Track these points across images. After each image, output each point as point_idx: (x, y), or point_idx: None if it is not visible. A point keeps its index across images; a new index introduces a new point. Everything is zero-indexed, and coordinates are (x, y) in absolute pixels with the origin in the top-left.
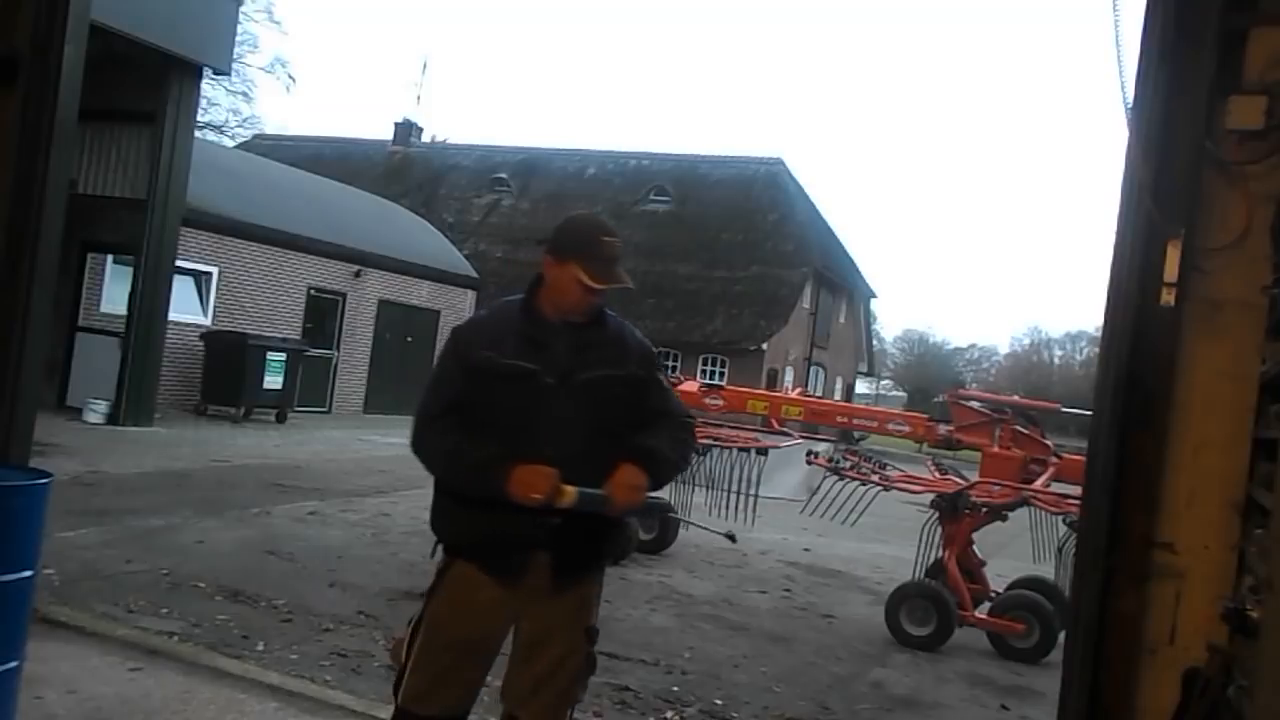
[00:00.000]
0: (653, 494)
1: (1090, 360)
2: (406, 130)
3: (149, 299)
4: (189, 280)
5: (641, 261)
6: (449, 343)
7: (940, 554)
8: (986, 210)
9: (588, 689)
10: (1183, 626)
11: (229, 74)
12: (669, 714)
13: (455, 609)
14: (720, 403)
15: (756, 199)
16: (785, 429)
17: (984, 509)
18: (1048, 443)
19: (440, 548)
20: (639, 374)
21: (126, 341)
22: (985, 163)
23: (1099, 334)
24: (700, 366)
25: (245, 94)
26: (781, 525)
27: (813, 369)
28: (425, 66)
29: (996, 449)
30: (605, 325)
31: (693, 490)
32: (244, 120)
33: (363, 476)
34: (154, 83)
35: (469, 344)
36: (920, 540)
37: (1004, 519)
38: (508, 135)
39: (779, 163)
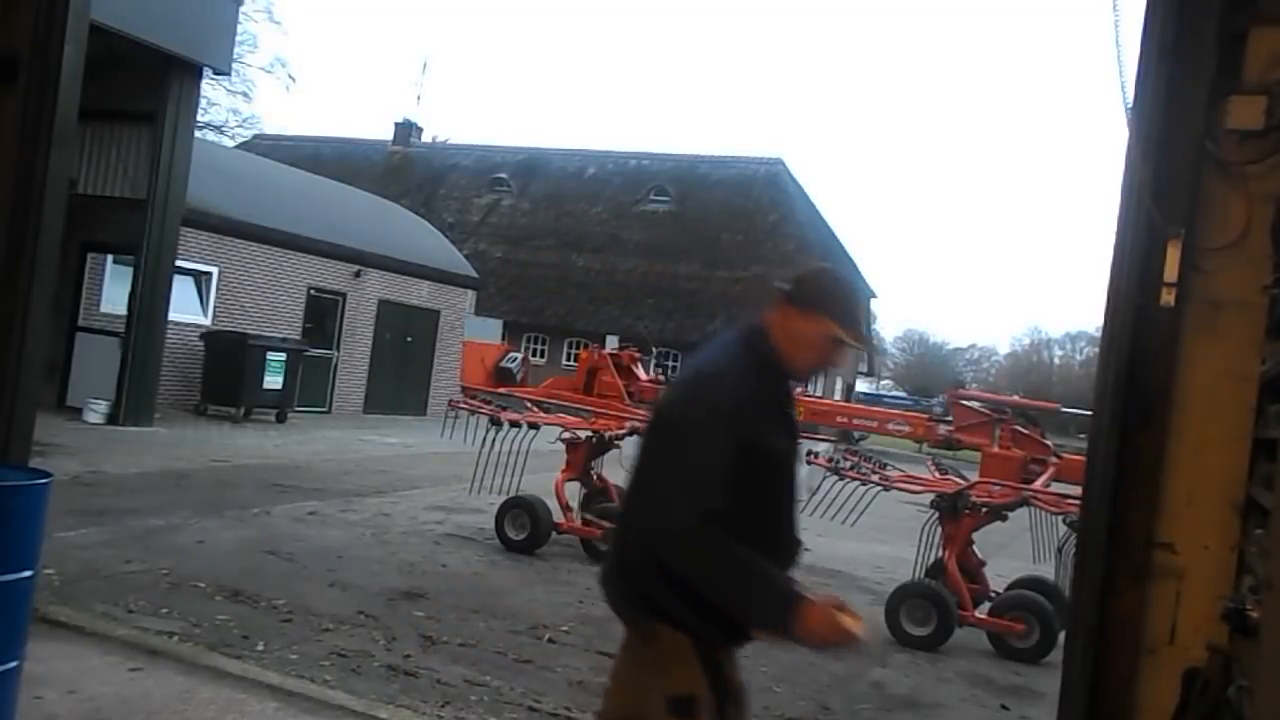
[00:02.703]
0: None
1: (1090, 360)
2: (406, 130)
3: (149, 299)
4: (189, 280)
5: (641, 261)
6: (714, 405)
7: (940, 554)
8: (986, 210)
9: None
10: (1182, 626)
11: (229, 74)
12: None
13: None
14: None
15: (756, 199)
16: None
17: (984, 509)
18: (1048, 443)
19: (657, 616)
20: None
21: (126, 341)
22: (985, 162)
23: (1099, 334)
24: None
25: (245, 94)
26: None
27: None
28: (425, 66)
29: (996, 449)
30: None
31: None
32: (244, 120)
33: (363, 476)
34: (154, 83)
35: (741, 413)
36: (920, 540)
37: (1004, 519)
38: (508, 135)
39: (779, 163)
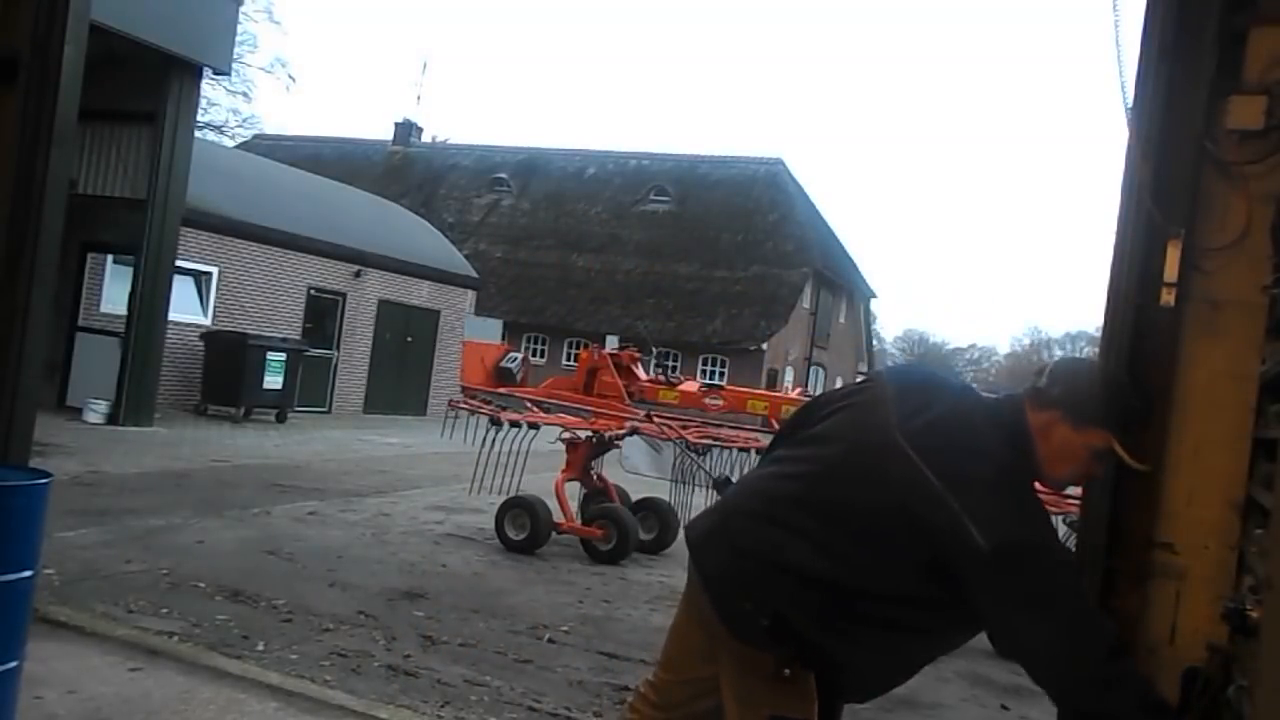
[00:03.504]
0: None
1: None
2: (406, 130)
3: (149, 299)
4: (189, 280)
5: (641, 261)
6: (1063, 556)
7: None
8: (986, 210)
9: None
10: (1182, 626)
11: (229, 74)
12: None
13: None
14: (720, 403)
15: (756, 199)
16: None
17: None
18: None
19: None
20: None
21: (126, 341)
22: (985, 163)
23: (1099, 334)
24: (700, 366)
25: (245, 94)
26: None
27: (813, 369)
28: (425, 66)
29: None
30: None
31: (692, 490)
32: (244, 120)
33: (363, 476)
34: (154, 83)
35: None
36: None
37: None
38: (508, 135)
39: (779, 163)
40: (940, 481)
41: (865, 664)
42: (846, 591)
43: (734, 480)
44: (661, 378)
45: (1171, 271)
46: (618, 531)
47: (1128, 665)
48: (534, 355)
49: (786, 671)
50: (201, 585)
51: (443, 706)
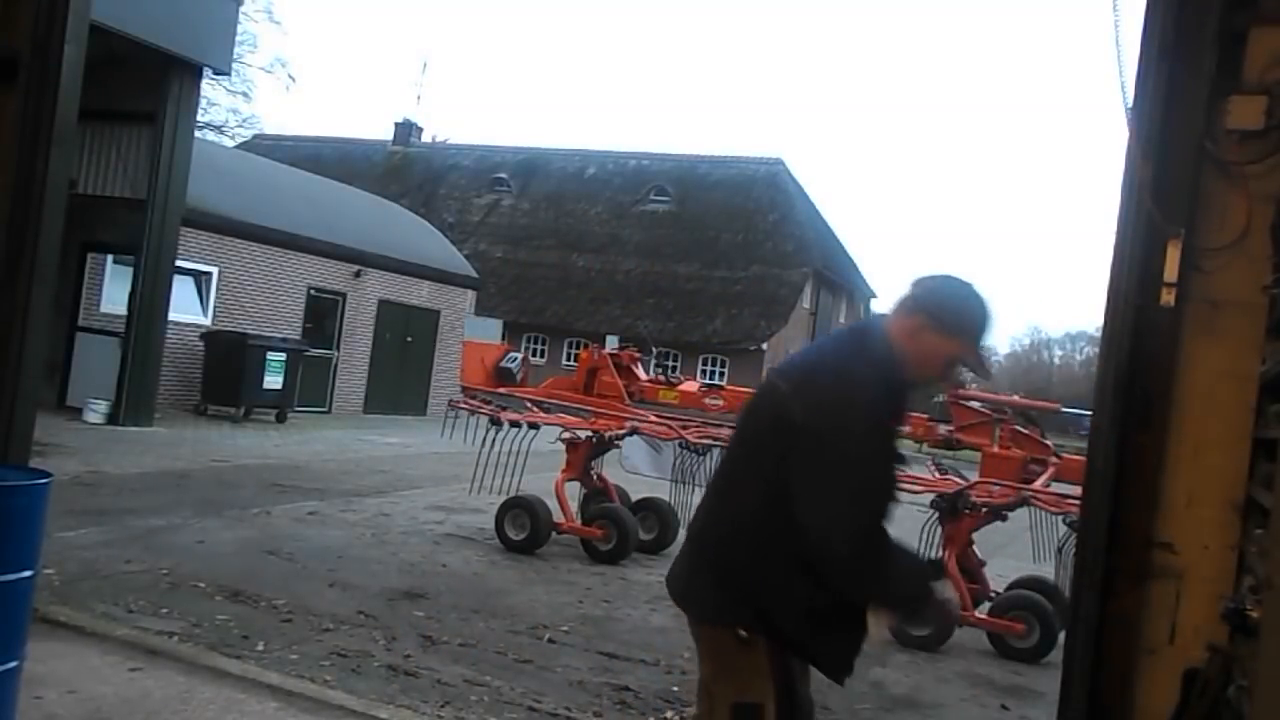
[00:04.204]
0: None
1: (1090, 360)
2: (406, 130)
3: (149, 299)
4: (189, 280)
5: (641, 261)
6: (868, 412)
7: (940, 554)
8: (986, 210)
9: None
10: (1182, 626)
11: (229, 74)
12: (669, 714)
13: (798, 704)
14: (720, 403)
15: (756, 199)
16: None
17: (984, 509)
18: (1048, 443)
19: (763, 636)
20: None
21: (126, 341)
22: (985, 162)
23: (1099, 334)
24: (700, 366)
25: (245, 94)
26: None
27: None
28: (425, 66)
29: (996, 449)
30: None
31: (693, 490)
32: (244, 120)
33: (363, 476)
34: (154, 83)
35: (881, 414)
36: (920, 540)
37: (1004, 519)
38: (508, 135)
39: (779, 163)
40: (787, 385)
41: (793, 589)
42: (755, 515)
43: None
44: (661, 378)
45: (1171, 271)
46: (618, 531)
47: (866, 564)
48: (534, 355)
49: (743, 633)
50: (201, 585)
51: (443, 706)
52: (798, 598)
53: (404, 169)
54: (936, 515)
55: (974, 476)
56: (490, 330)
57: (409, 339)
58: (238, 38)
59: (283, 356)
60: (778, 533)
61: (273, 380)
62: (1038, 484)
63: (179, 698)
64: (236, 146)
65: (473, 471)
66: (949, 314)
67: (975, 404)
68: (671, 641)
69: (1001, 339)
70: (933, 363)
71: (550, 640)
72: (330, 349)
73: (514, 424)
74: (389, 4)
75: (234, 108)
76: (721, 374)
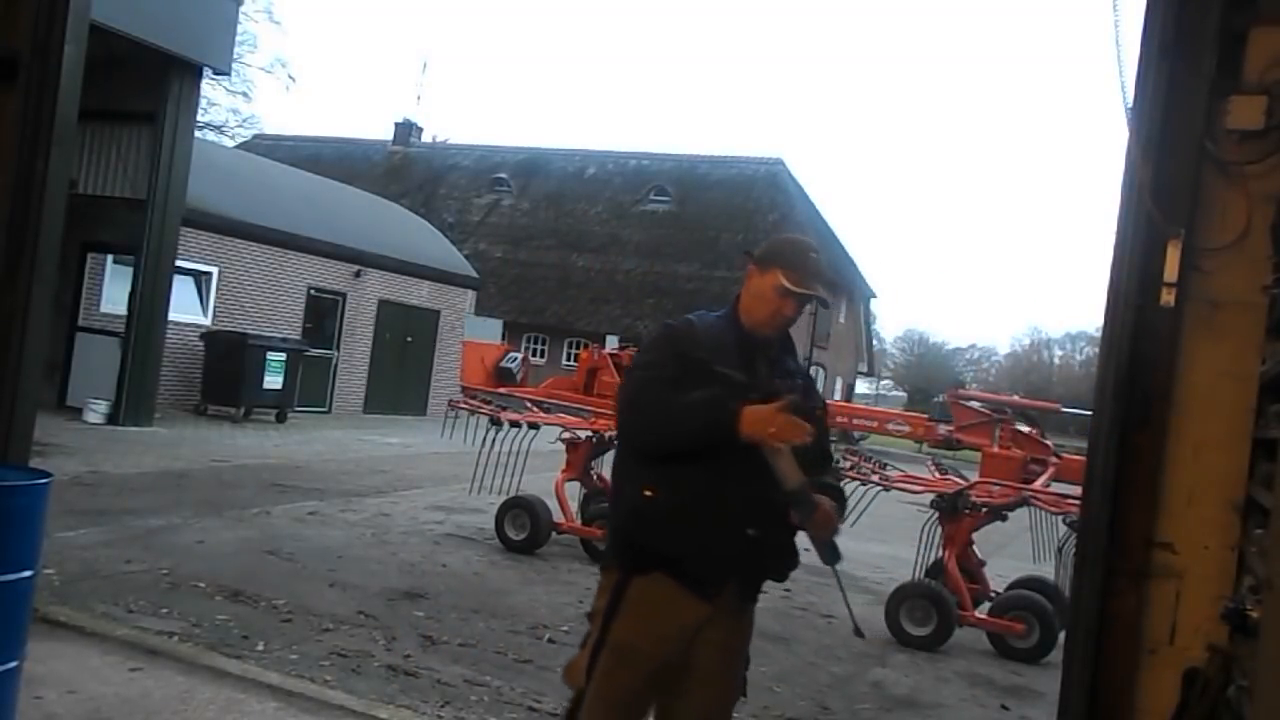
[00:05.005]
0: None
1: (1090, 360)
2: (406, 130)
3: (149, 299)
4: (189, 280)
5: (641, 261)
6: (663, 335)
7: (940, 554)
8: (986, 210)
9: None
10: (1182, 626)
11: (229, 74)
12: None
13: (647, 631)
14: None
15: (756, 199)
16: None
17: (984, 509)
18: (1048, 443)
19: (616, 563)
20: (819, 412)
21: (126, 341)
22: (985, 162)
23: (1099, 334)
24: None
25: (245, 94)
26: None
27: (813, 369)
28: (425, 66)
29: (996, 449)
30: (794, 354)
31: None
32: (244, 120)
33: (363, 476)
34: (154, 83)
35: (689, 341)
36: (920, 540)
37: (1004, 519)
38: (508, 135)
39: (779, 163)
40: None
41: (624, 497)
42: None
43: None
44: None
45: (1171, 271)
46: None
47: (646, 415)
48: (534, 355)
49: (602, 566)
50: (201, 585)
51: (443, 706)
52: (627, 496)
53: (404, 169)
54: (936, 515)
55: (974, 476)
56: (490, 330)
57: (409, 339)
58: (238, 38)
59: (283, 356)
60: (623, 469)
61: (273, 380)
62: (1038, 484)
63: (179, 698)
64: (236, 146)
65: (473, 471)
66: (762, 252)
67: (975, 404)
68: None
69: (1002, 339)
70: (765, 301)
71: (550, 640)
72: (330, 349)
73: (514, 424)
74: (389, 4)
75: (234, 108)
76: None
